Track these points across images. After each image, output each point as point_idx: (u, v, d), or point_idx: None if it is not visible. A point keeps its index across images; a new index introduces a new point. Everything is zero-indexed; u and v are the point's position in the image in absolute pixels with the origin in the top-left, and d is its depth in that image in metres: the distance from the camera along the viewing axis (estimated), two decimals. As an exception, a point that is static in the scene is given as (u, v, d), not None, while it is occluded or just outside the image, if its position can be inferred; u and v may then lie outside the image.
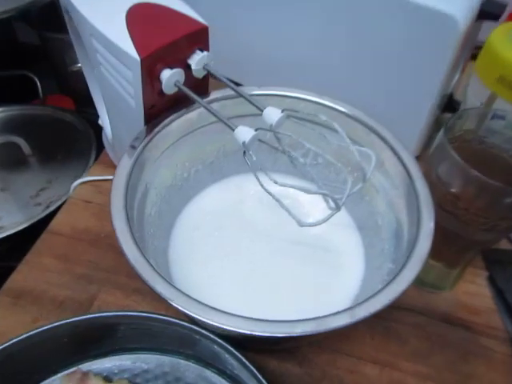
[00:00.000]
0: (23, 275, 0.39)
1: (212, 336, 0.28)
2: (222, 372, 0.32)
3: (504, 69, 0.36)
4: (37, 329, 0.30)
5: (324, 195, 0.29)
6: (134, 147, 0.32)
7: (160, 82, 0.31)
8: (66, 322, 0.31)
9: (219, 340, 0.28)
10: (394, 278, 0.27)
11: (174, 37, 0.31)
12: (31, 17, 0.71)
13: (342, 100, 0.37)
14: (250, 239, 0.38)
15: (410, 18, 0.39)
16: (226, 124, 0.30)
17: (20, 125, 0.64)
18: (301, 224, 0.29)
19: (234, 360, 0.29)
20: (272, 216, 0.38)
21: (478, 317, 0.39)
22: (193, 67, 0.33)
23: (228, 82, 0.33)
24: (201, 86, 0.35)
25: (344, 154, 0.34)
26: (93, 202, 0.45)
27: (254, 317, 0.25)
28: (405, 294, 0.26)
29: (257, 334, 0.24)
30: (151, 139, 0.33)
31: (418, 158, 0.34)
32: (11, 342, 0.29)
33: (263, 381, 0.28)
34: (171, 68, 0.31)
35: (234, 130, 0.30)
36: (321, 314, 0.26)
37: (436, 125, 0.47)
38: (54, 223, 0.43)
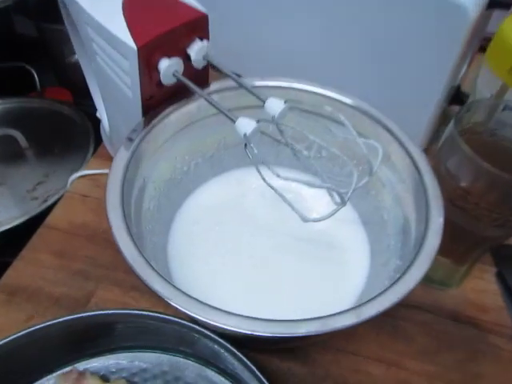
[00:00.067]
0: (18, 271, 0.38)
1: (212, 335, 0.27)
2: (222, 371, 0.31)
3: (516, 58, 0.35)
4: (31, 327, 0.29)
5: (329, 189, 0.28)
6: (131, 139, 0.31)
7: (158, 72, 0.30)
8: (62, 321, 0.30)
9: (219, 339, 0.27)
10: (401, 275, 0.26)
11: (173, 25, 0.29)
12: (29, 7, 0.70)
13: (347, 91, 0.36)
14: (251, 234, 0.37)
15: (418, 6, 0.38)
16: (226, 115, 0.29)
17: (17, 117, 0.63)
18: (304, 219, 0.28)
19: (234, 359, 0.28)
20: (274, 211, 0.37)
21: (486, 314, 0.38)
22: (192, 57, 0.31)
23: (229, 72, 0.31)
24: (201, 76, 0.34)
25: (349, 146, 0.33)
26: (90, 196, 0.44)
27: (255, 316, 0.24)
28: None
29: (258, 334, 0.23)
30: (149, 131, 0.32)
31: (424, 152, 0.33)
32: (5, 340, 0.28)
33: (264, 380, 0.27)
34: (169, 57, 0.30)
35: (234, 122, 0.28)
36: (325, 312, 0.25)
37: (443, 117, 0.46)
38: (51, 218, 0.42)
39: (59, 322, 0.30)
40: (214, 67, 0.33)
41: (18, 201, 0.53)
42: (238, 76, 0.32)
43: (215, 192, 0.40)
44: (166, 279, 0.25)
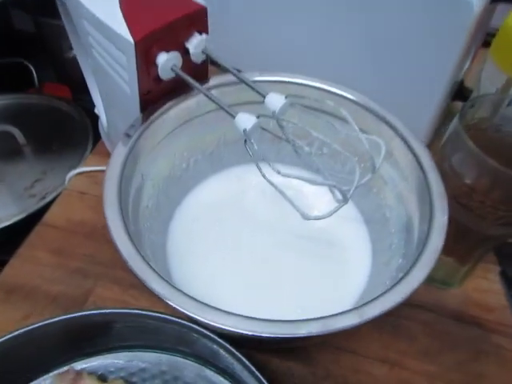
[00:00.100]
0: (15, 269, 0.38)
1: (211, 335, 0.27)
2: (222, 371, 0.31)
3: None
4: (28, 326, 0.29)
5: (331, 186, 0.27)
6: (128, 136, 0.31)
7: (156, 67, 0.30)
8: (59, 320, 0.29)
9: (218, 339, 0.27)
10: (405, 275, 0.26)
11: (171, 18, 0.29)
12: (27, 2, 0.69)
13: (349, 87, 0.35)
14: (251, 232, 0.36)
15: (421, 0, 0.37)
16: (226, 111, 0.29)
17: (15, 114, 0.62)
18: (305, 217, 0.27)
19: (233, 359, 0.28)
20: (275, 208, 0.36)
21: (489, 314, 0.37)
22: (191, 51, 0.31)
23: (229, 67, 0.31)
24: (200, 71, 0.33)
25: (351, 143, 0.32)
26: (89, 193, 0.43)
27: (254, 316, 0.24)
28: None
29: (258, 334, 0.23)
30: (147, 127, 0.32)
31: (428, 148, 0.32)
32: (1, 339, 0.28)
33: (264, 381, 0.26)
34: (168, 52, 0.29)
35: (234, 117, 0.28)
36: (325, 311, 0.24)
37: (445, 114, 0.45)
38: (49, 215, 0.42)
39: (56, 321, 0.29)
40: (214, 62, 0.32)
41: (15, 198, 0.52)
42: (238, 71, 0.31)
43: (215, 189, 0.39)
44: (163, 278, 0.25)
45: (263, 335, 0.23)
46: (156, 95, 0.32)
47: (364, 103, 0.35)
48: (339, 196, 0.28)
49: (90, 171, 0.45)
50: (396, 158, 0.33)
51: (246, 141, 0.28)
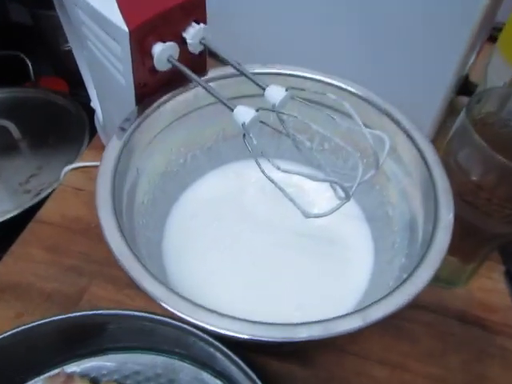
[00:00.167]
0: (8, 267, 0.37)
1: (207, 337, 0.26)
2: (219, 374, 0.30)
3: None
4: (19, 327, 0.28)
5: (332, 183, 0.26)
6: (123, 129, 0.30)
7: (152, 58, 0.29)
8: (51, 321, 0.28)
9: (215, 342, 0.26)
10: (409, 275, 0.25)
11: (167, 6, 0.28)
12: (24, -6, 0.68)
13: (351, 80, 0.34)
14: (250, 230, 0.35)
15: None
16: (224, 104, 0.28)
17: (10, 108, 0.61)
18: (306, 215, 0.26)
19: (230, 363, 0.27)
20: (274, 205, 0.35)
21: (494, 314, 0.36)
22: (188, 41, 0.30)
23: (228, 58, 0.30)
24: (197, 63, 0.32)
25: (353, 138, 0.31)
26: (84, 189, 0.42)
27: (253, 319, 0.23)
28: (419, 291, 0.24)
29: (256, 338, 0.22)
30: (143, 121, 0.31)
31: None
32: (-9, 340, 0.27)
33: (261, 385, 0.25)
34: (164, 42, 0.28)
35: (232, 111, 0.27)
36: (327, 311, 0.23)
37: (450, 109, 0.44)
38: (43, 212, 0.41)
39: (49, 322, 0.28)
40: (212, 54, 0.31)
41: (10, 194, 0.51)
42: (237, 63, 0.30)
43: (213, 185, 0.38)
44: (157, 278, 0.24)
45: (262, 339, 0.22)
46: (152, 87, 0.31)
47: (366, 96, 0.34)
48: (341, 193, 0.27)
49: (86, 166, 0.44)
50: (400, 153, 0.32)
51: (244, 135, 0.27)
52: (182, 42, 0.30)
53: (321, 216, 0.26)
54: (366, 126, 0.27)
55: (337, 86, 0.34)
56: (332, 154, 0.36)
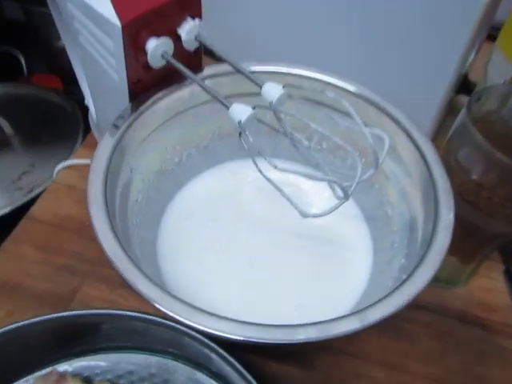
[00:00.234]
0: (-1, 265, 0.36)
1: (202, 338, 0.25)
2: (214, 374, 0.29)
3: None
4: (10, 325, 0.27)
5: (331, 182, 0.26)
6: (116, 126, 0.29)
7: (145, 53, 0.28)
8: (44, 319, 0.28)
9: (210, 343, 0.25)
10: (408, 276, 0.24)
11: (161, 0, 0.27)
12: (17, -11, 0.67)
13: (350, 78, 0.34)
14: (247, 230, 0.35)
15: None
16: (220, 101, 0.27)
17: (2, 104, 0.60)
18: (304, 215, 0.26)
19: (226, 364, 0.26)
20: (272, 205, 0.35)
21: (493, 314, 0.36)
22: (183, 37, 0.29)
23: (224, 54, 0.29)
24: (193, 60, 0.32)
25: (351, 136, 0.31)
26: (77, 187, 0.42)
27: (249, 320, 0.22)
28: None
29: (252, 340, 0.21)
30: (136, 118, 0.30)
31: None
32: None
33: (257, 386, 0.25)
34: (158, 37, 0.28)
35: (228, 108, 0.26)
36: (325, 312, 0.23)
37: (449, 108, 0.44)
38: (35, 209, 0.40)
39: (41, 321, 0.28)
40: (208, 52, 0.30)
41: (1, 190, 0.50)
42: (234, 61, 0.30)
43: (209, 185, 0.38)
44: (151, 279, 0.23)
45: (258, 341, 0.21)
46: (146, 84, 0.30)
47: (365, 95, 0.33)
48: (340, 192, 0.27)
49: (79, 164, 0.43)
50: (399, 152, 0.32)
51: (240, 133, 0.26)
52: (177, 39, 0.29)
53: (319, 216, 0.26)
54: (365, 125, 0.27)
55: (335, 85, 0.33)
56: (330, 154, 0.35)
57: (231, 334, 0.21)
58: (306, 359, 0.32)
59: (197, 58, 0.32)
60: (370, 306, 0.23)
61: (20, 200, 0.49)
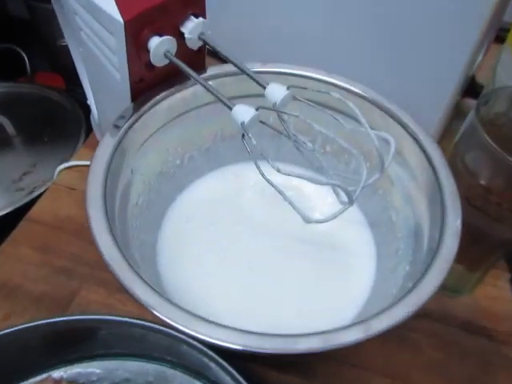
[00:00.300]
0: (-3, 267, 0.36)
1: (201, 347, 0.24)
2: (212, 383, 0.29)
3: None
4: (5, 329, 0.27)
5: (335, 186, 0.25)
6: (117, 127, 0.29)
7: (148, 52, 0.27)
8: (40, 324, 0.27)
9: (209, 352, 0.24)
10: (415, 284, 0.23)
11: (165, -2, 0.26)
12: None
13: (355, 79, 0.33)
14: (248, 235, 0.34)
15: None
16: (222, 102, 0.26)
17: (4, 103, 0.59)
18: (307, 220, 0.25)
19: (225, 374, 0.25)
20: (274, 210, 0.34)
21: (499, 324, 0.35)
22: (186, 36, 0.28)
23: (227, 54, 0.28)
24: (196, 59, 0.31)
25: (356, 139, 0.30)
26: (77, 188, 0.41)
27: (248, 329, 0.21)
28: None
29: (252, 350, 0.20)
30: (138, 119, 0.30)
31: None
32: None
33: (257, 397, 0.24)
34: (160, 35, 0.27)
35: (231, 109, 0.26)
36: (327, 319, 0.22)
37: (455, 111, 0.43)
38: (35, 210, 0.40)
39: (37, 325, 0.27)
40: (211, 52, 0.30)
41: (2, 191, 0.50)
42: (237, 61, 0.29)
43: (211, 188, 0.37)
44: (150, 285, 0.22)
45: (258, 351, 0.20)
46: (148, 83, 0.30)
47: (371, 97, 0.32)
48: (344, 197, 0.26)
49: (80, 165, 0.43)
50: (405, 156, 0.31)
51: (243, 135, 0.25)
52: (180, 37, 0.29)
53: (322, 222, 0.25)
54: (370, 127, 0.26)
55: (340, 86, 0.33)
56: (334, 157, 0.35)
57: (230, 343, 0.21)
58: (308, 369, 0.32)
59: (200, 57, 0.32)
60: (375, 315, 0.22)
61: (20, 201, 0.48)
